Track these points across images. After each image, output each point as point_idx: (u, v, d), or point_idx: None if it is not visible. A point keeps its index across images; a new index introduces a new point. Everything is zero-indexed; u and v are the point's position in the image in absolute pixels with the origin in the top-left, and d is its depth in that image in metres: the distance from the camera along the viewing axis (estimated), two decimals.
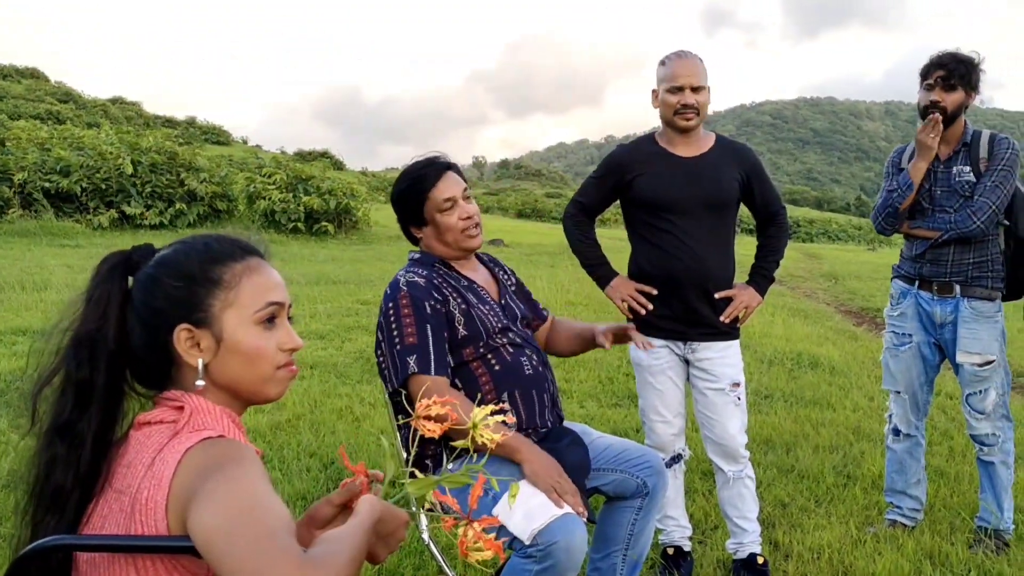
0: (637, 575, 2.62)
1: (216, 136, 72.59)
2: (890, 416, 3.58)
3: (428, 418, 1.35)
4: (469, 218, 2.47)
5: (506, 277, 2.71)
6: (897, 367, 3.49)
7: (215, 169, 18.49)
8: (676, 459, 3.13)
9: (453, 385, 2.35)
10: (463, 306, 2.40)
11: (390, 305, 2.36)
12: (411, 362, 2.26)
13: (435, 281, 2.41)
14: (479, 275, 2.58)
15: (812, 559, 3.20)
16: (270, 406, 4.92)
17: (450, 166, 2.54)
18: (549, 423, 2.46)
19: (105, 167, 16.51)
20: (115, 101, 73.49)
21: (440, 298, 2.37)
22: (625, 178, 3.03)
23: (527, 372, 2.44)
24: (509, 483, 2.14)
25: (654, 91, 3.01)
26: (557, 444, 2.38)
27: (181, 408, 1.22)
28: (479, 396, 2.34)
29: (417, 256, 2.54)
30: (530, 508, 2.13)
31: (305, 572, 0.93)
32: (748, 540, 3.06)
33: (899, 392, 3.50)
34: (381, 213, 26.01)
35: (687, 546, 3.15)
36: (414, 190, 2.50)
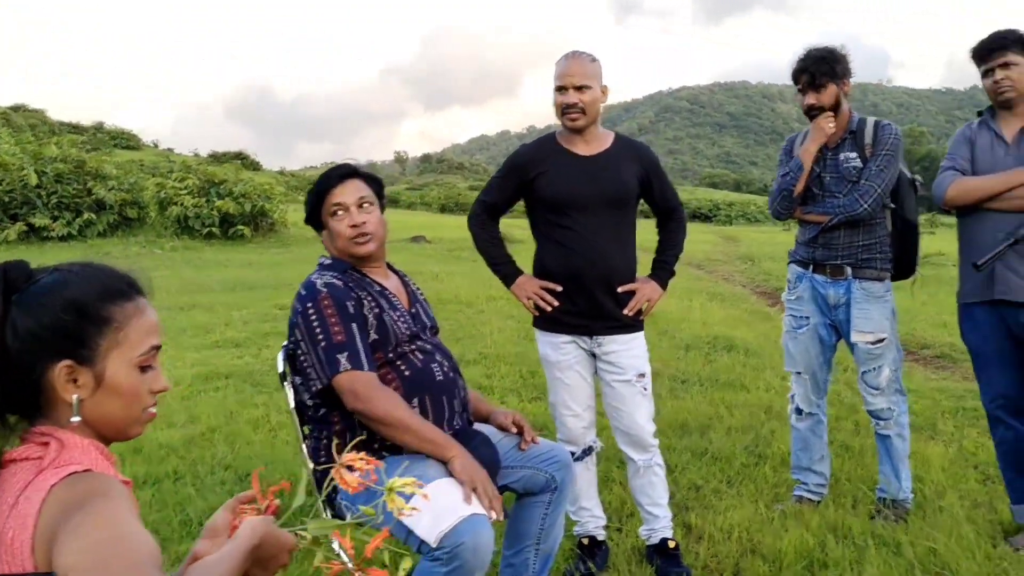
0: (549, 567, 2.67)
1: (126, 141, 70.35)
2: (792, 396, 3.71)
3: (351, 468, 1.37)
4: (356, 227, 2.49)
5: (416, 288, 2.73)
6: (796, 349, 3.61)
7: (124, 176, 17.99)
8: (587, 451, 3.18)
9: None
10: (376, 310, 2.42)
11: (308, 305, 2.36)
12: (342, 359, 2.27)
13: (349, 284, 2.43)
14: (390, 282, 2.59)
15: (723, 539, 3.29)
16: (183, 419, 4.84)
17: (354, 173, 2.56)
18: (458, 426, 2.49)
19: (8, 179, 15.91)
20: (16, 108, 70.56)
21: (356, 302, 2.39)
22: (527, 177, 3.06)
23: (438, 378, 2.46)
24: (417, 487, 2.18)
25: None
26: (468, 444, 2.40)
27: (46, 444, 1.20)
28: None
29: (329, 262, 2.55)
30: (437, 511, 2.15)
31: None
32: (660, 526, 3.14)
33: (800, 373, 3.63)
34: (299, 214, 25.75)
35: (601, 535, 3.21)
36: (315, 192, 2.56)
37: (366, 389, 2.27)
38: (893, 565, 2.99)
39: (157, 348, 1.33)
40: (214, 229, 16.60)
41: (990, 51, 3.15)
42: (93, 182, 16.91)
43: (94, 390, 1.25)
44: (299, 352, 2.40)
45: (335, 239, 2.52)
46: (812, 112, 3.38)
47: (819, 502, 3.63)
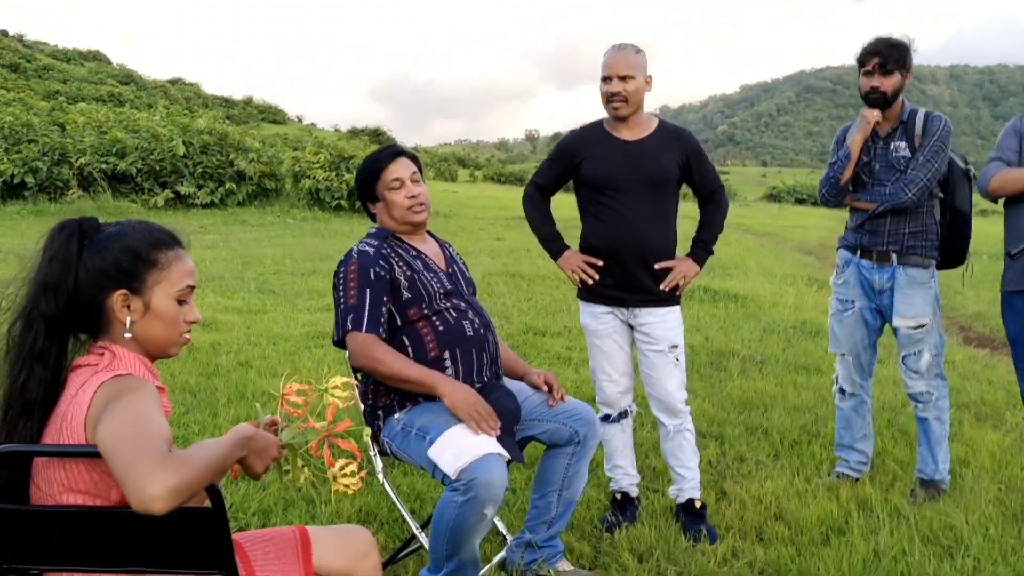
0: (571, 512, 2.98)
1: (272, 115, 73.90)
2: (837, 377, 3.86)
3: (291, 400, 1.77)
4: (414, 197, 2.84)
5: (455, 253, 3.07)
6: (842, 331, 3.76)
7: (264, 149, 19.11)
8: (623, 415, 3.46)
9: (400, 342, 2.71)
10: (408, 272, 2.76)
11: (340, 270, 2.74)
12: (348, 320, 2.64)
13: (383, 251, 2.78)
14: (429, 247, 2.94)
15: (753, 505, 3.51)
16: (287, 370, 5.37)
17: (402, 152, 2.92)
18: (486, 378, 2.81)
19: (159, 149, 17.23)
20: (174, 82, 75.33)
21: (386, 266, 2.73)
22: (574, 160, 3.35)
23: (468, 333, 2.79)
24: (443, 427, 2.53)
25: None
26: (492, 395, 2.73)
27: (103, 355, 1.61)
28: (426, 351, 2.71)
29: (373, 231, 2.92)
30: (459, 449, 2.49)
31: (165, 466, 1.31)
32: (688, 487, 3.39)
33: (844, 355, 3.78)
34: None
35: (634, 492, 3.49)
36: (369, 171, 2.90)
37: (361, 348, 2.61)
38: (908, 536, 3.14)
39: (192, 288, 1.72)
40: (342, 201, 17.47)
41: None
42: (235, 154, 18.07)
43: (143, 314, 1.65)
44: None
45: (393, 209, 2.85)
46: (872, 96, 3.49)
47: (858, 479, 3.78)
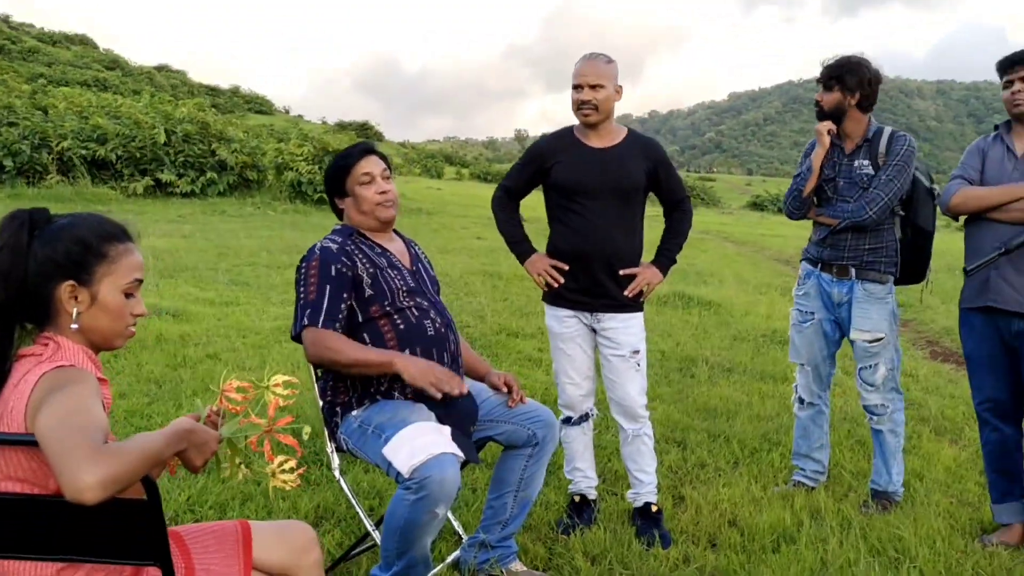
0: (526, 512, 3.01)
1: (259, 105, 73.62)
2: (796, 387, 3.92)
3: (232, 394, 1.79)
4: (384, 193, 2.86)
5: (420, 252, 3.09)
6: (801, 341, 3.81)
7: (246, 140, 19.05)
8: (584, 417, 3.50)
9: (360, 339, 2.72)
10: (371, 269, 2.77)
11: (303, 267, 2.75)
12: (304, 316, 2.65)
13: (347, 247, 2.79)
14: (394, 246, 2.96)
15: (709, 511, 3.55)
16: (254, 364, 5.38)
17: (373, 150, 2.94)
18: None
19: (140, 136, 17.15)
20: (161, 69, 74.87)
21: (349, 262, 2.74)
22: (544, 165, 3.38)
23: (429, 332, 2.81)
24: (399, 425, 2.55)
25: None
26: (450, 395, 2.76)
27: (47, 345, 1.63)
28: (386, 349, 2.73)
29: (338, 227, 2.93)
30: (413, 448, 2.50)
31: (98, 457, 1.33)
32: (644, 491, 3.43)
33: (803, 364, 3.83)
34: (410, 186, 26.58)
35: (592, 495, 3.52)
36: (340, 165, 2.92)
37: (316, 341, 2.61)
38: (856, 546, 3.19)
39: (139, 281, 1.74)
40: (324, 196, 17.43)
41: (1012, 64, 3.26)
42: (217, 144, 18.02)
43: (89, 306, 1.67)
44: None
45: (362, 204, 2.87)
46: (816, 108, 3.61)
47: (814, 488, 3.83)
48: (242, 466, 1.79)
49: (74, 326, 1.65)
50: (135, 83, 53.64)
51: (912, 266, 3.68)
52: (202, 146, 17.82)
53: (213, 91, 71.98)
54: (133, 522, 1.46)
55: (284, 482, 1.79)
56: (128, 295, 1.71)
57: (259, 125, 33.23)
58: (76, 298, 1.66)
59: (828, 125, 3.57)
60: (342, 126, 55.53)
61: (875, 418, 3.69)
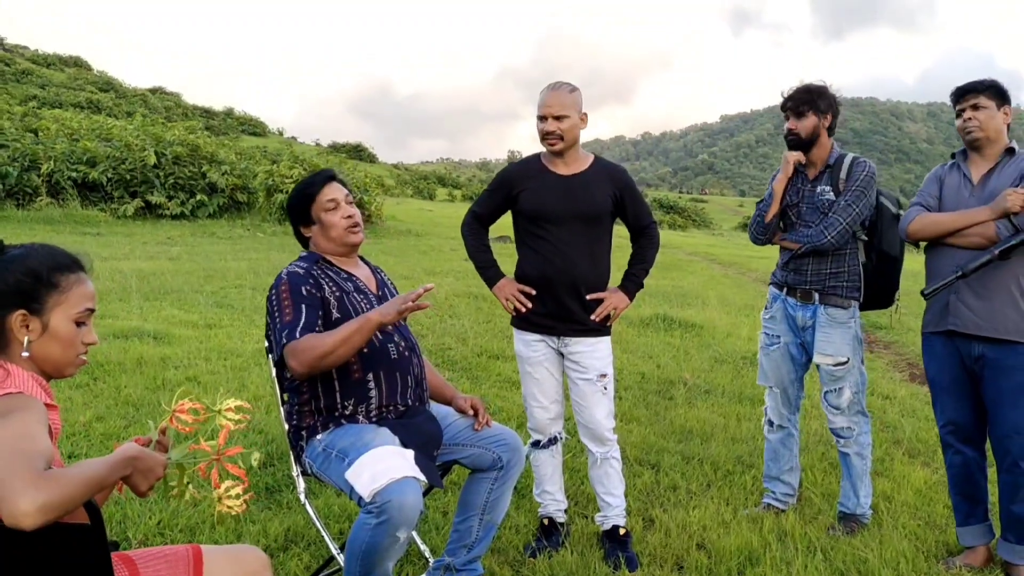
0: (491, 536, 3.03)
1: (253, 127, 73.80)
2: (766, 409, 3.96)
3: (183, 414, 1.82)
4: (350, 217, 2.91)
5: (386, 277, 3.13)
6: (769, 365, 3.86)
7: (237, 162, 19.12)
8: (553, 440, 3.53)
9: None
10: (337, 293, 2.81)
11: (273, 292, 2.79)
12: (284, 335, 2.67)
13: (313, 272, 2.83)
14: (360, 271, 3.00)
15: (678, 533, 3.57)
16: (234, 387, 5.39)
17: (335, 177, 3.00)
18: (410, 402, 2.87)
19: (131, 158, 17.21)
20: (155, 91, 75.05)
21: (315, 284, 2.79)
22: (512, 192, 3.44)
23: (392, 356, 2.84)
24: (362, 449, 2.57)
25: None
26: (414, 419, 2.80)
27: None
28: (350, 372, 2.76)
29: (304, 255, 2.97)
30: (375, 472, 2.53)
31: (38, 483, 1.36)
32: (613, 514, 3.46)
33: (771, 387, 3.88)
34: (401, 207, 26.67)
35: (560, 518, 3.55)
36: (304, 193, 2.95)
37: (294, 351, 2.62)
38: (821, 569, 3.22)
39: (91, 311, 1.77)
40: None
41: (964, 93, 3.34)
42: (207, 166, 18.09)
43: (40, 334, 1.71)
44: (267, 334, 2.83)
45: (330, 230, 2.91)
46: (789, 138, 3.65)
47: (784, 510, 3.86)
48: (190, 486, 1.82)
49: (25, 354, 1.69)
50: (129, 105, 53.80)
51: (878, 291, 3.73)
52: (192, 168, 17.87)
53: (207, 113, 72.22)
54: (76, 547, 1.49)
55: (230, 508, 1.82)
56: (79, 324, 1.75)
57: (252, 147, 33.33)
58: (27, 327, 1.70)
59: (798, 155, 3.64)
60: (335, 148, 55.74)
61: (842, 441, 3.73)
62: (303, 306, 2.72)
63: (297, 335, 2.65)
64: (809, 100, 3.58)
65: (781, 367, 3.82)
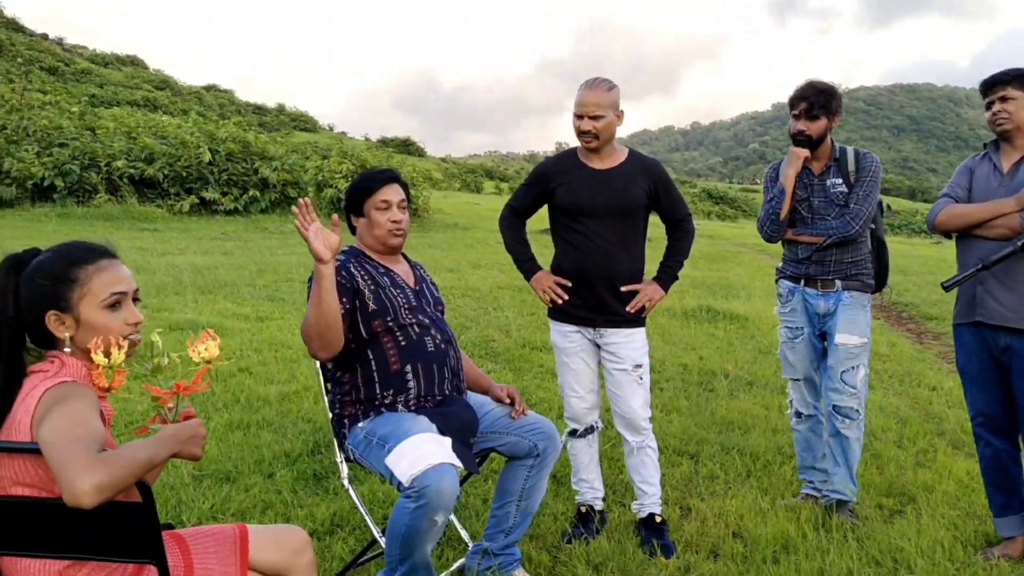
0: (528, 522, 3.12)
1: (304, 123, 74.70)
2: (791, 402, 3.98)
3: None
4: (396, 222, 3.01)
5: (425, 273, 3.22)
6: (795, 357, 3.88)
7: (286, 157, 19.45)
8: (590, 430, 3.60)
9: (364, 356, 2.86)
10: (372, 287, 2.92)
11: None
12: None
13: (349, 266, 2.94)
14: (400, 267, 3.10)
15: (714, 522, 3.62)
16: (284, 377, 5.56)
17: (397, 178, 3.09)
18: (447, 391, 2.96)
19: (186, 155, 17.61)
20: (209, 88, 76.38)
21: (348, 276, 2.90)
22: (548, 186, 3.51)
23: (429, 349, 2.94)
24: (401, 436, 2.67)
25: None
26: (451, 407, 2.90)
27: (54, 362, 1.79)
28: (388, 365, 2.86)
29: (346, 248, 3.08)
30: (414, 457, 2.63)
31: (92, 466, 1.48)
32: (649, 502, 3.52)
33: (797, 379, 3.91)
34: (448, 201, 26.83)
35: (599, 506, 3.62)
36: (363, 187, 3.06)
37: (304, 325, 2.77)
38: (856, 557, 3.25)
39: (123, 293, 1.88)
40: None
41: (992, 85, 3.33)
42: (259, 162, 18.43)
43: (76, 328, 1.84)
44: None
45: (374, 227, 3.02)
46: (799, 138, 3.70)
47: (823, 499, 3.87)
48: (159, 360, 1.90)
49: (67, 349, 1.81)
50: (184, 103, 54.84)
51: (878, 274, 3.81)
52: (244, 164, 18.22)
53: (260, 110, 73.26)
54: (129, 523, 1.61)
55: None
56: (114, 307, 1.86)
57: (304, 142, 33.77)
58: (64, 324, 1.82)
59: (807, 152, 3.69)
60: (384, 142, 56.19)
61: (847, 422, 3.71)
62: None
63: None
64: (824, 103, 3.62)
65: (806, 358, 3.86)
